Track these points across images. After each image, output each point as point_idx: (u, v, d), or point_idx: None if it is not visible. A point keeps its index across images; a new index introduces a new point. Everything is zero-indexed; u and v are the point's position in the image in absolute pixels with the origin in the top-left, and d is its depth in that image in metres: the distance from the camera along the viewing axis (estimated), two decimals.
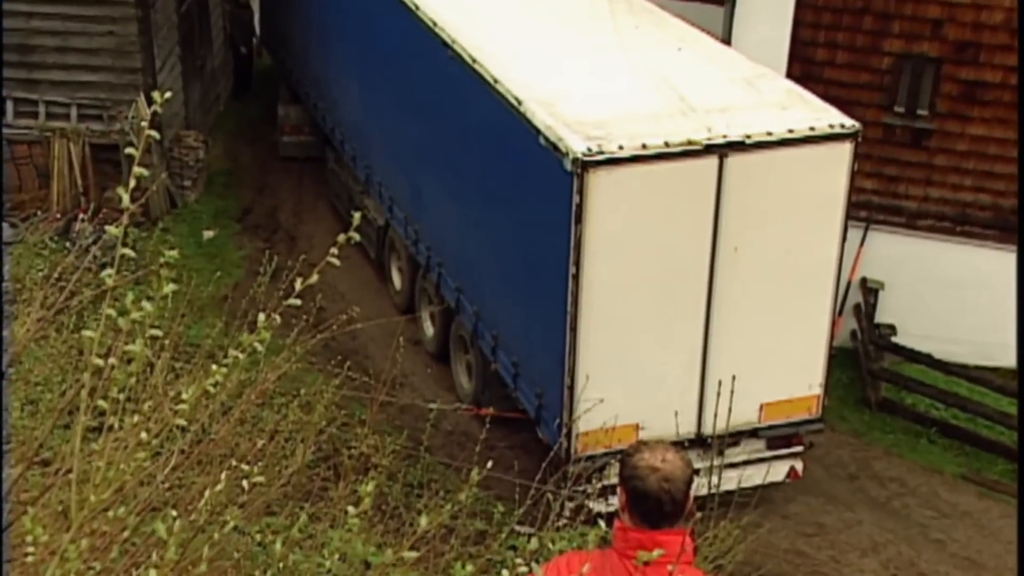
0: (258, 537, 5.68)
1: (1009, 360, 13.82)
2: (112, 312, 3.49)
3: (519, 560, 3.74)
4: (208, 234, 16.53)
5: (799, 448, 11.18)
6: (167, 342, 5.82)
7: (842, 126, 10.10)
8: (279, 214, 17.45)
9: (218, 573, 4.85)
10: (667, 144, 9.67)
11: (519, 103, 10.44)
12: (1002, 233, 13.98)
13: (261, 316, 3.81)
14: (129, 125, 15.69)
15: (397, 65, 13.80)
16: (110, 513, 3.68)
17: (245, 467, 4.53)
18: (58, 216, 15.78)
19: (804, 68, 14.02)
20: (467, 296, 12.29)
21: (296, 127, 18.50)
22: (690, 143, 9.72)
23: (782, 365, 10.67)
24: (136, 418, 3.97)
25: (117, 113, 16.08)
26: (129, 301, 3.52)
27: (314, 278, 3.84)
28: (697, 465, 9.28)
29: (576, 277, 9.77)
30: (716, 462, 9.12)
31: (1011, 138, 13.61)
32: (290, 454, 6.50)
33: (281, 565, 4.83)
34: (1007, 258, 13.61)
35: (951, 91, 14.00)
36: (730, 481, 9.61)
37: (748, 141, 9.84)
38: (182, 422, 3.82)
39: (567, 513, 6.71)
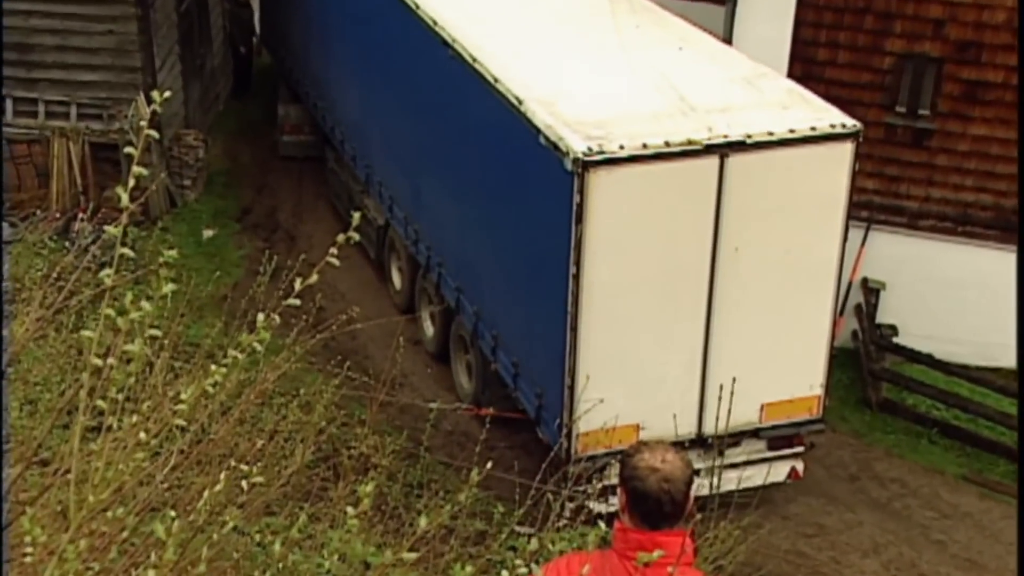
0: (257, 537, 5.66)
1: (1010, 361, 13.80)
2: (111, 312, 3.47)
3: (519, 561, 3.73)
4: (208, 233, 16.51)
5: (800, 449, 11.16)
6: (166, 342, 5.81)
7: (843, 126, 10.09)
8: (279, 214, 17.43)
9: (217, 573, 4.84)
10: (668, 144, 9.65)
11: (519, 102, 10.42)
12: (1003, 233, 13.95)
13: (260, 316, 3.79)
14: (128, 124, 15.67)
15: (397, 64, 13.78)
16: (109, 513, 3.67)
17: (244, 467, 4.51)
18: (57, 215, 15.77)
19: (805, 68, 14.00)
20: (467, 296, 12.28)
21: (296, 126, 18.48)
22: (691, 143, 9.70)
23: (783, 365, 10.66)
24: (135, 418, 3.96)
25: (117, 112, 16.06)
26: (128, 301, 3.51)
27: (313, 278, 3.82)
28: (698, 465, 9.31)
29: (576, 277, 9.76)
30: (717, 462, 9.09)
31: (1013, 138, 13.59)
32: (289, 454, 6.49)
33: (280, 565, 4.81)
34: (1008, 258, 13.58)
35: (953, 91, 13.98)
36: (730, 482, 9.60)
37: (749, 141, 9.82)
38: (181, 422, 3.81)
39: (567, 513, 6.69)
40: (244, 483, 4.26)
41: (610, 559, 3.75)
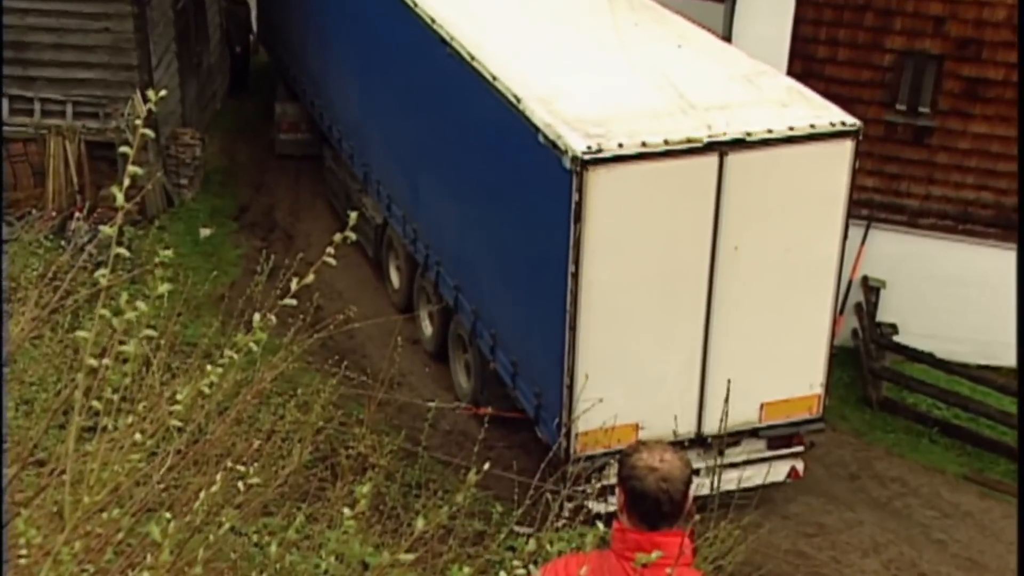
0: (255, 538, 5.64)
1: (1011, 359, 13.78)
2: (106, 312, 3.45)
3: (517, 562, 3.70)
4: (205, 232, 16.48)
5: (800, 448, 11.14)
6: (163, 342, 5.78)
7: (843, 124, 10.06)
8: (276, 212, 17.41)
9: (215, 574, 4.81)
10: (667, 142, 9.62)
11: (518, 101, 10.39)
12: (1004, 231, 13.94)
13: (257, 316, 3.76)
14: (125, 123, 15.64)
15: (395, 62, 13.75)
16: (105, 514, 3.65)
17: (241, 467, 4.50)
18: (53, 214, 15.72)
19: (805, 65, 13.98)
20: (466, 295, 12.25)
21: (293, 125, 18.46)
22: (690, 141, 9.67)
23: (783, 364, 10.63)
24: (131, 419, 3.93)
25: (113, 110, 16.03)
26: (123, 301, 3.48)
27: (310, 277, 3.81)
28: (697, 465, 9.29)
29: (575, 276, 9.73)
30: (716, 462, 9.06)
31: (1013, 136, 13.57)
32: (287, 454, 6.45)
33: (278, 566, 4.79)
34: (1009, 257, 13.56)
35: (953, 88, 13.96)
36: (730, 481, 9.57)
37: (748, 139, 9.79)
38: (177, 423, 3.78)
39: (566, 513, 6.66)
40: (241, 483, 4.24)
41: (608, 560, 3.73)
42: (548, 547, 6.05)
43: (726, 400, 8.90)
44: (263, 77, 20.65)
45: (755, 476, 10.32)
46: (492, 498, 8.85)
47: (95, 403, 3.54)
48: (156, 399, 4.64)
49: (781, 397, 10.68)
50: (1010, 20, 13.38)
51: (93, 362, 3.45)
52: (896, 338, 14.47)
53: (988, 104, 13.83)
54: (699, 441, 10.43)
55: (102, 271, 3.53)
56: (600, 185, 9.50)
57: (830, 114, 10.21)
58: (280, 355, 6.40)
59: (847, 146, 10.05)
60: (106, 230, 3.56)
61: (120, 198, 3.49)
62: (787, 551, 10.96)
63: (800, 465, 11.20)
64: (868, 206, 14.12)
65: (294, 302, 3.79)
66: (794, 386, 10.71)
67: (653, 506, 3.62)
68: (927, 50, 13.91)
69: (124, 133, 15.50)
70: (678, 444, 9.73)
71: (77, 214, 15.53)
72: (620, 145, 9.52)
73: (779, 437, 10.94)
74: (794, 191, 10.12)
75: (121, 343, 3.51)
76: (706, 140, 9.70)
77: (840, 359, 12.56)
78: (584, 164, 9.40)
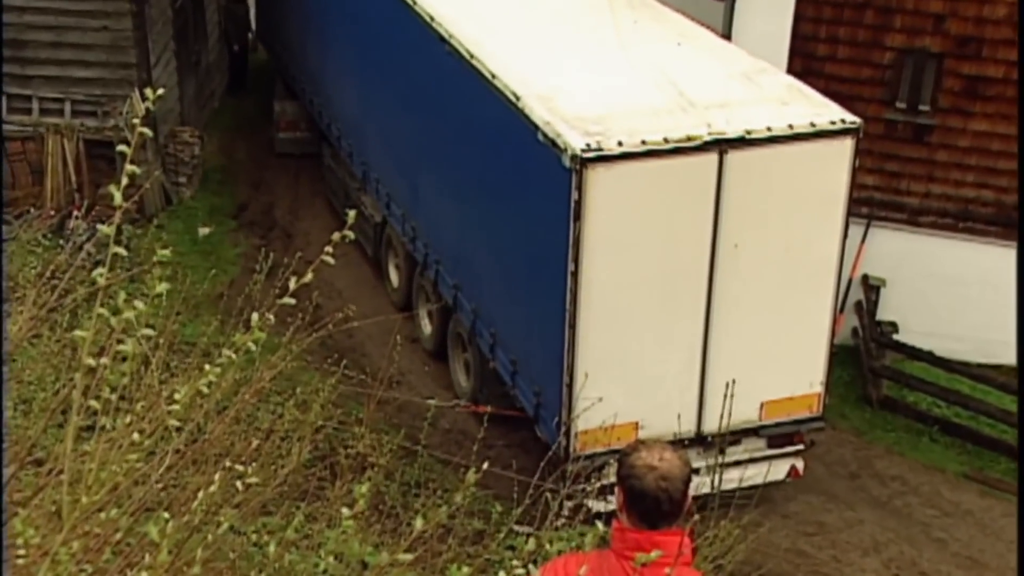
0: (253, 537, 5.62)
1: (1011, 358, 13.78)
2: (104, 311, 3.43)
3: (516, 562, 3.69)
4: (203, 231, 16.47)
5: (800, 446, 11.13)
6: (161, 341, 5.76)
7: (843, 122, 10.04)
8: (275, 211, 17.39)
9: (213, 574, 4.80)
10: (666, 140, 9.61)
11: (517, 99, 10.37)
12: (1004, 230, 13.92)
13: (255, 315, 3.75)
14: (123, 121, 15.62)
15: (394, 60, 13.73)
16: (103, 514, 3.64)
17: (240, 467, 4.48)
18: (52, 213, 15.71)
19: (805, 63, 13.97)
20: (465, 293, 12.23)
21: (292, 123, 18.45)
22: (690, 139, 9.65)
23: (783, 363, 10.62)
24: (129, 418, 3.92)
25: (111, 109, 16.01)
26: (122, 300, 3.47)
27: (309, 276, 3.79)
28: (697, 464, 9.29)
29: (575, 274, 9.71)
30: (716, 461, 9.05)
31: (1013, 134, 13.57)
32: (286, 453, 6.44)
33: (277, 566, 4.78)
34: (1009, 255, 13.56)
35: (953, 86, 13.95)
36: (731, 480, 9.55)
37: (748, 137, 9.77)
38: (176, 422, 3.77)
39: (566, 512, 6.65)
40: (240, 483, 4.23)
41: (608, 559, 3.73)
42: (547, 546, 6.03)
43: (726, 399, 8.88)
44: (262, 75, 20.64)
45: (755, 475, 10.29)
46: (491, 497, 8.83)
47: (93, 402, 3.54)
48: (154, 398, 4.63)
49: (781, 395, 10.67)
50: (1010, 18, 13.37)
51: (91, 361, 3.44)
52: (896, 336, 14.46)
53: (988, 102, 13.82)
54: (699, 440, 10.41)
55: (100, 270, 3.53)
56: (599, 183, 9.48)
57: (830, 112, 10.20)
58: (279, 354, 6.38)
59: (847, 144, 10.03)
60: (104, 229, 3.55)
61: (118, 197, 3.48)
62: (787, 550, 10.95)
63: (800, 464, 11.19)
64: (868, 204, 14.11)
65: (293, 301, 3.78)
66: (794, 384, 10.70)
67: (652, 505, 3.61)
68: (927, 48, 13.89)
69: (122, 131, 15.48)
70: (678, 443, 9.73)
71: (75, 213, 15.53)
72: (619, 143, 9.50)
73: (779, 436, 10.92)
74: (794, 189, 10.11)
75: (119, 342, 3.51)
76: (706, 138, 9.68)
77: (840, 357, 12.55)
78: (583, 162, 9.39)
